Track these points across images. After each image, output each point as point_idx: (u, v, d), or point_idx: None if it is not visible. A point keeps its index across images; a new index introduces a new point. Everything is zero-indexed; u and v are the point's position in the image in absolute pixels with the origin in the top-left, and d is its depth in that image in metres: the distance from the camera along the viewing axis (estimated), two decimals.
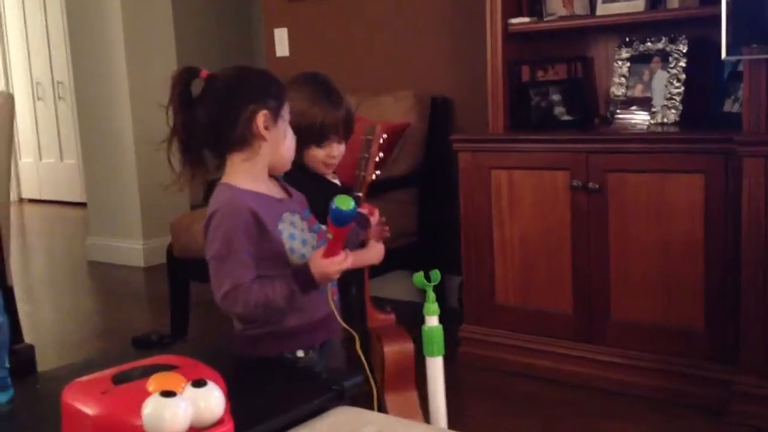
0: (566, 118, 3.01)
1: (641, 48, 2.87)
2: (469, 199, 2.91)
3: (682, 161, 2.47)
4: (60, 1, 6.34)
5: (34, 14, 7.33)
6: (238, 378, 1.34)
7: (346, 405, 1.36)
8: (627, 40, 2.91)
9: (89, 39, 4.84)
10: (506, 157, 2.83)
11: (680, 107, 2.75)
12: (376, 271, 2.07)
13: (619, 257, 2.60)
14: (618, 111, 2.82)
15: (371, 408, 1.67)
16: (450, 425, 1.54)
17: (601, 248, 2.62)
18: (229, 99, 1.56)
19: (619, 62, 2.91)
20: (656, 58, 2.83)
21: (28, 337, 2.43)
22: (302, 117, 1.79)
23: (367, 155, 1.87)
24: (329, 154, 1.88)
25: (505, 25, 2.90)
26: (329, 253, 1.50)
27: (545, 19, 2.95)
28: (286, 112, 1.61)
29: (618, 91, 2.90)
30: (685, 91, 2.75)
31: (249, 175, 1.59)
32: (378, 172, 1.91)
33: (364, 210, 1.81)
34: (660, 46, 2.82)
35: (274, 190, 1.64)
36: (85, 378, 1.18)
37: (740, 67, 2.51)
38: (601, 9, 2.83)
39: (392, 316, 2.01)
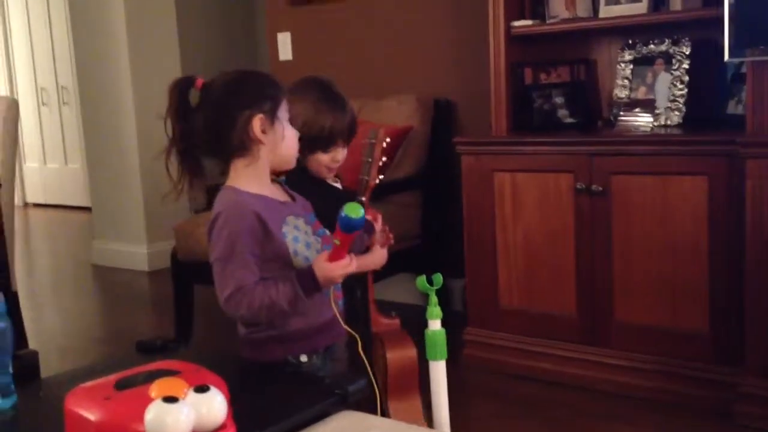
0: (569, 120, 3.01)
1: (644, 50, 2.87)
2: (472, 202, 2.90)
3: (685, 163, 2.46)
4: (64, 7, 6.36)
5: (38, 20, 7.35)
6: (241, 383, 1.34)
7: (350, 409, 1.36)
8: (630, 42, 2.91)
9: (93, 44, 4.85)
10: (509, 159, 2.83)
11: (683, 109, 2.75)
12: (380, 274, 2.08)
13: (623, 259, 2.59)
14: (621, 113, 2.82)
15: (375, 412, 1.66)
16: (453, 428, 1.53)
17: (605, 251, 2.62)
18: (224, 106, 1.57)
19: (622, 64, 2.91)
20: (659, 60, 2.83)
21: (32, 342, 2.44)
22: (309, 124, 1.80)
23: (370, 159, 1.87)
24: (333, 159, 1.89)
25: (508, 28, 2.90)
26: (334, 257, 1.51)
27: (548, 22, 2.95)
28: (283, 111, 1.62)
29: (621, 93, 2.90)
30: (688, 93, 2.74)
31: (252, 178, 1.60)
32: (381, 177, 1.91)
33: (368, 215, 1.81)
34: (663, 48, 2.82)
35: (277, 194, 1.65)
36: (87, 384, 1.18)
37: (744, 69, 2.51)
38: (604, 11, 2.83)
39: (396, 321, 2.01)
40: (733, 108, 2.64)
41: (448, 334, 1.56)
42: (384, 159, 1.91)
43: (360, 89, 3.48)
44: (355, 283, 1.90)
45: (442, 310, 1.51)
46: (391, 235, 1.91)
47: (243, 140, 1.57)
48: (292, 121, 1.67)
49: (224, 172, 1.63)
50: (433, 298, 1.51)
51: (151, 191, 4.69)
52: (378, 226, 1.85)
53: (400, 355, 1.93)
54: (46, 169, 7.75)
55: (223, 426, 1.09)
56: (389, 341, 1.93)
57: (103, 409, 1.10)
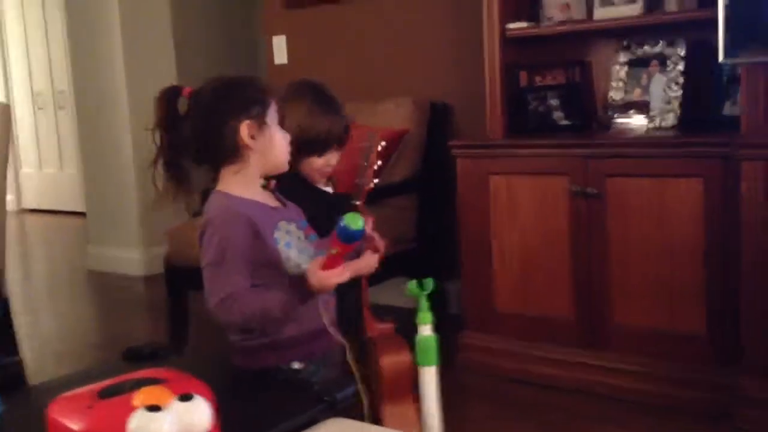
0: (564, 122, 2.99)
1: (639, 52, 2.86)
2: (467, 205, 2.89)
3: (680, 165, 2.45)
4: (60, 12, 6.35)
5: (34, 24, 7.34)
6: (229, 390, 1.33)
7: (340, 417, 1.34)
8: (625, 44, 2.90)
9: (89, 48, 4.85)
10: (505, 162, 2.82)
11: (678, 111, 2.73)
12: (375, 278, 2.05)
13: (619, 262, 2.58)
14: (616, 115, 2.81)
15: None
16: (448, 431, 1.52)
17: (601, 253, 2.61)
18: (212, 113, 1.57)
19: (617, 66, 2.90)
20: (654, 62, 2.81)
21: (27, 347, 2.43)
22: (305, 128, 1.79)
23: (366, 163, 1.85)
24: (327, 163, 1.88)
25: (503, 30, 2.89)
26: (330, 265, 1.47)
27: (543, 24, 2.94)
28: (272, 115, 1.61)
29: (616, 95, 2.89)
30: (683, 94, 2.73)
31: (242, 184, 1.59)
32: (377, 180, 1.90)
33: None
34: (658, 49, 2.81)
35: (268, 200, 1.64)
36: (70, 392, 1.17)
37: (739, 70, 2.50)
38: (599, 13, 2.82)
39: (391, 326, 1.99)
40: (730, 109, 2.63)
41: (444, 337, 1.55)
42: (379, 162, 1.89)
43: (356, 92, 3.46)
44: (348, 288, 1.88)
45: (438, 313, 1.50)
46: (381, 243, 1.88)
47: (232, 146, 1.56)
48: (287, 126, 1.65)
49: (215, 179, 1.62)
50: (424, 303, 1.49)
51: (146, 196, 4.67)
52: (368, 229, 1.83)
53: (395, 359, 1.91)
54: (42, 174, 7.73)
55: None
56: (383, 346, 1.91)
57: (85, 417, 1.08)
